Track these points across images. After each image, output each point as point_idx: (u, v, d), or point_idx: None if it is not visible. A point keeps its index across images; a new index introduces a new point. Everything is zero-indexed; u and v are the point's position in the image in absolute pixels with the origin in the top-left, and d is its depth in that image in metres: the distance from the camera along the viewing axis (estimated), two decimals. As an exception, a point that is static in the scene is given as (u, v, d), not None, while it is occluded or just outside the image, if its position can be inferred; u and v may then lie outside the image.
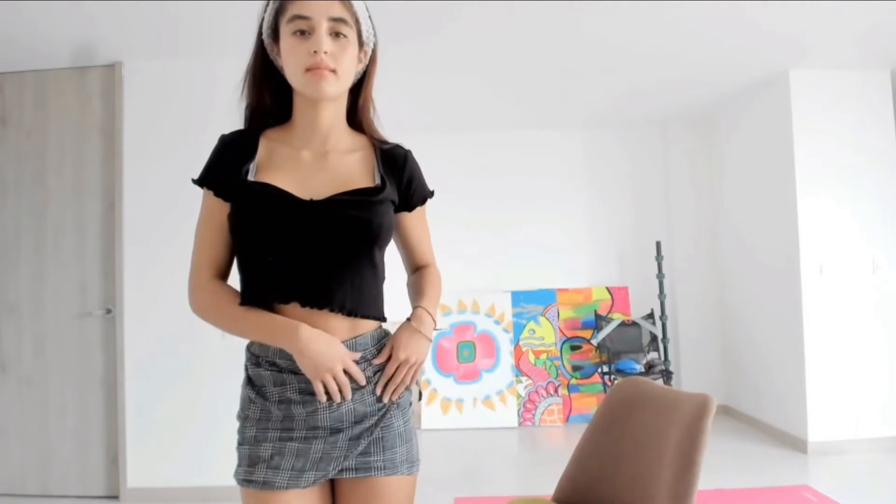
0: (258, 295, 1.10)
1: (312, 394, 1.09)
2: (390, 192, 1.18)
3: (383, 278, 1.18)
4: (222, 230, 1.14)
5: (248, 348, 1.18)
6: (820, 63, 3.74)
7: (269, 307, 1.11)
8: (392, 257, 1.24)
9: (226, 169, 1.14)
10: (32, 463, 3.26)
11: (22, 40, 3.03)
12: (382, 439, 1.14)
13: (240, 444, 1.15)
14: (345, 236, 1.10)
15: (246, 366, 1.18)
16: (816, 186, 3.81)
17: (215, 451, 3.08)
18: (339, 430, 1.11)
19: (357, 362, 1.12)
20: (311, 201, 1.09)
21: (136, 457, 3.21)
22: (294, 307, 1.09)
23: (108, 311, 3.29)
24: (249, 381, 1.16)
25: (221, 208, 1.14)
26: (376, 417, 1.13)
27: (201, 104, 3.17)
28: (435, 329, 1.22)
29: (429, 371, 4.82)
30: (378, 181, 1.17)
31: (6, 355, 3.31)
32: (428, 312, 1.19)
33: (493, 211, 5.09)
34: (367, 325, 1.16)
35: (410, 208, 1.25)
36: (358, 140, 1.22)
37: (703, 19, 3.05)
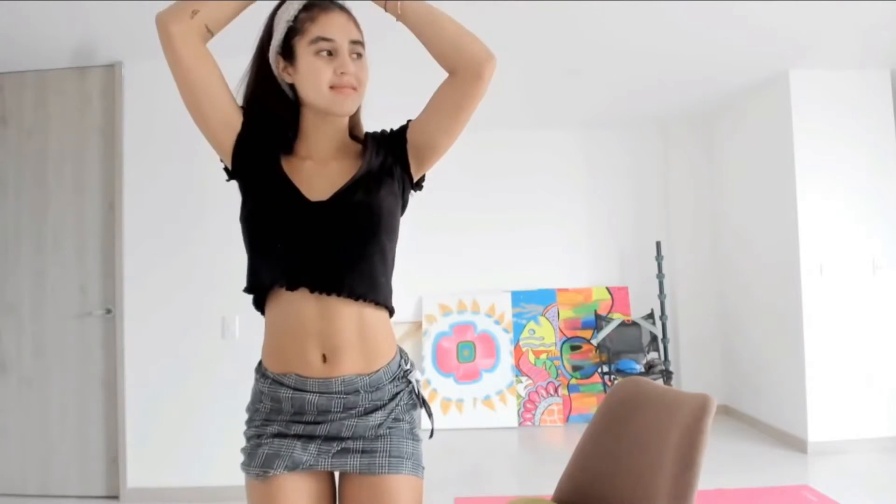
0: (266, 279, 1.13)
1: (330, 386, 1.12)
2: (375, 163, 1.19)
3: (392, 268, 1.20)
4: (220, 85, 1.15)
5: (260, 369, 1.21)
6: (820, 63, 3.74)
7: (276, 292, 1.14)
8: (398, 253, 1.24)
9: (268, 129, 1.17)
10: (32, 463, 3.26)
11: (22, 40, 3.03)
12: (390, 433, 1.16)
13: (248, 437, 1.17)
14: (352, 222, 1.13)
15: (261, 361, 1.20)
16: (816, 186, 3.81)
17: (215, 451, 3.09)
18: (350, 408, 1.14)
19: (358, 391, 1.14)
20: (320, 202, 1.13)
21: (136, 457, 3.21)
22: (303, 293, 1.12)
23: (108, 311, 3.29)
24: (264, 375, 1.18)
25: (234, 109, 1.17)
26: (380, 421, 1.16)
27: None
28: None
29: (429, 371, 4.82)
30: (364, 166, 1.18)
31: (6, 355, 3.30)
32: None
33: (493, 211, 5.08)
34: (380, 340, 1.17)
35: (415, 123, 1.23)
36: (355, 146, 1.26)
37: (704, 19, 3.05)
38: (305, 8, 1.13)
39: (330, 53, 1.12)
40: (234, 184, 1.21)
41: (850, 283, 3.80)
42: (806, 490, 3.15)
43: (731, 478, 3.34)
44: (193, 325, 3.24)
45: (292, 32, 1.13)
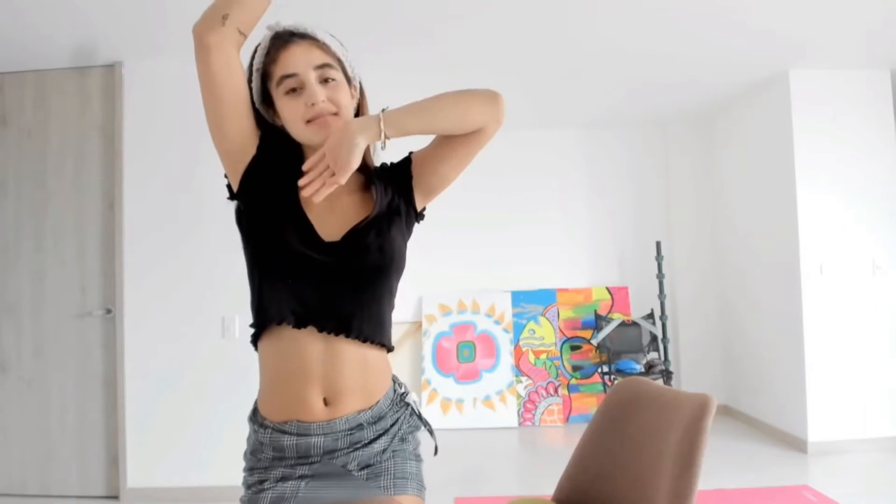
0: (274, 316, 1.10)
1: (334, 427, 1.10)
2: (384, 203, 1.17)
3: (393, 307, 1.19)
4: (245, 103, 1.12)
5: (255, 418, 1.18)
6: (820, 63, 3.74)
7: (279, 330, 1.10)
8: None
9: (281, 154, 1.15)
10: (32, 463, 3.26)
11: (22, 40, 3.03)
12: (394, 455, 1.15)
13: (248, 485, 1.13)
14: (365, 265, 1.11)
15: (257, 409, 1.17)
16: (816, 186, 3.81)
17: (215, 451, 3.09)
18: (356, 443, 1.12)
19: (362, 426, 1.12)
20: (333, 242, 1.10)
21: (136, 457, 3.21)
22: (309, 332, 1.09)
23: (108, 311, 3.29)
24: (262, 426, 1.14)
25: (253, 129, 1.14)
26: (385, 447, 1.15)
27: (201, 104, 3.16)
28: (383, 136, 1.06)
29: (429, 371, 4.82)
30: (376, 208, 1.16)
31: (6, 355, 3.30)
32: (382, 115, 1.05)
33: (494, 211, 5.09)
34: (379, 377, 1.16)
35: (420, 156, 1.22)
36: (361, 178, 1.21)
37: (704, 19, 3.05)
38: (268, 51, 1.11)
39: (297, 89, 1.09)
40: (235, 199, 1.19)
41: (850, 283, 3.80)
42: (806, 490, 3.15)
43: (731, 478, 3.34)
44: (193, 325, 3.24)
45: (264, 78, 1.13)
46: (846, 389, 3.75)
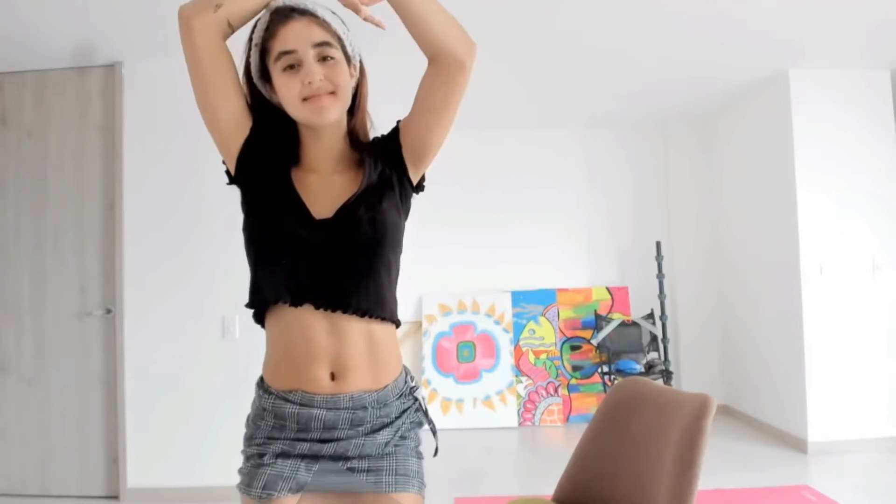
0: (269, 295, 1.11)
1: (338, 403, 1.10)
2: (374, 176, 1.16)
3: (397, 280, 1.18)
4: (233, 86, 1.13)
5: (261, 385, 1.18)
6: (820, 63, 3.74)
7: (279, 309, 1.11)
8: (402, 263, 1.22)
9: (275, 140, 1.16)
10: (32, 463, 3.26)
11: (22, 40, 3.03)
12: (395, 451, 1.15)
13: (248, 456, 1.14)
14: (357, 239, 1.10)
15: (262, 376, 1.17)
16: (816, 186, 3.81)
17: (215, 451, 3.08)
18: (358, 424, 1.11)
19: (366, 407, 1.12)
20: (325, 219, 1.11)
21: (136, 457, 3.21)
22: (308, 309, 1.09)
23: (108, 311, 3.29)
24: (267, 391, 1.14)
25: (244, 112, 1.15)
26: (387, 440, 1.14)
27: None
28: None
29: (429, 371, 4.82)
30: (364, 182, 1.15)
31: (6, 355, 3.30)
32: None
33: (494, 210, 5.08)
34: (387, 355, 1.15)
35: (404, 123, 1.21)
36: (356, 155, 1.21)
37: (703, 20, 3.05)
38: (267, 26, 1.11)
39: (295, 66, 1.08)
40: (234, 184, 1.20)
41: (850, 283, 3.80)
42: (806, 490, 3.15)
43: (731, 478, 3.34)
44: (193, 326, 3.24)
45: (263, 54, 1.12)
46: (846, 389, 3.75)
